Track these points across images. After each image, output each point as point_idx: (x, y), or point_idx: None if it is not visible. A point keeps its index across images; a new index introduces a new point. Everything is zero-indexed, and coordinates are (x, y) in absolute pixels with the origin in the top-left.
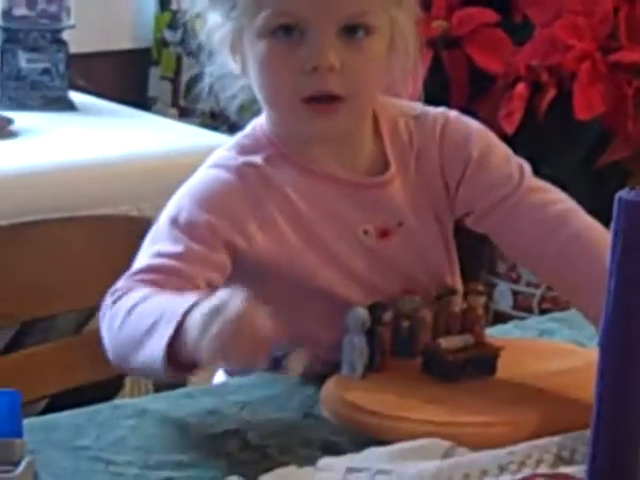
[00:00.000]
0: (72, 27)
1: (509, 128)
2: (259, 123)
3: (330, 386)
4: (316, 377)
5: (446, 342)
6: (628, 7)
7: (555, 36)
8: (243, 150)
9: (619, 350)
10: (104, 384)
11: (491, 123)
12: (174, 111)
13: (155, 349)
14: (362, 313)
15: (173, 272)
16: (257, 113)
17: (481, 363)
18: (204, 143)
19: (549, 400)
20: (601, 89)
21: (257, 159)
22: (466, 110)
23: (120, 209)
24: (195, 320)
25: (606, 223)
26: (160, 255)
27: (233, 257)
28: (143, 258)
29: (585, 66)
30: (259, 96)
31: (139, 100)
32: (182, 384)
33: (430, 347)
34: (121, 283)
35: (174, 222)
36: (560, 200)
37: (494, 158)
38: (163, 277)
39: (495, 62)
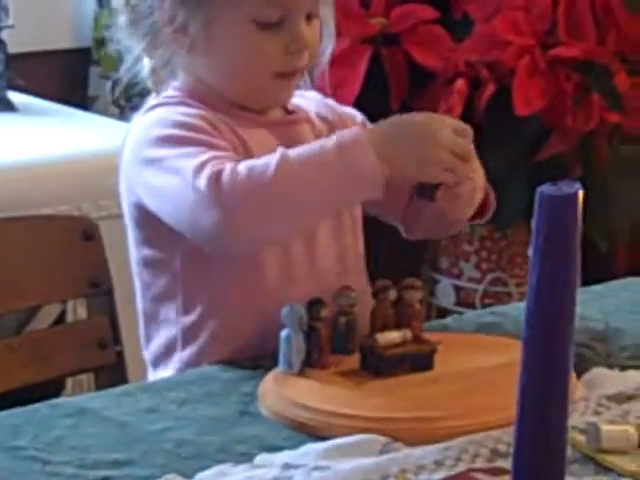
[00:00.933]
0: (11, 27)
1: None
2: (180, 88)
3: (268, 382)
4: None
5: (383, 338)
6: (566, 2)
7: (494, 32)
8: (177, 97)
9: (541, 344)
10: (45, 385)
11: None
12: (114, 110)
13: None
14: (299, 310)
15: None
16: None
17: (418, 358)
18: None
19: (486, 395)
20: (540, 84)
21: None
22: (406, 106)
23: (61, 209)
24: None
25: None
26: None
27: None
28: (186, 163)
29: (524, 62)
30: (214, 70)
31: (79, 99)
32: (124, 381)
33: (367, 342)
34: (211, 169)
35: (164, 139)
36: None
37: None
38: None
39: (434, 58)
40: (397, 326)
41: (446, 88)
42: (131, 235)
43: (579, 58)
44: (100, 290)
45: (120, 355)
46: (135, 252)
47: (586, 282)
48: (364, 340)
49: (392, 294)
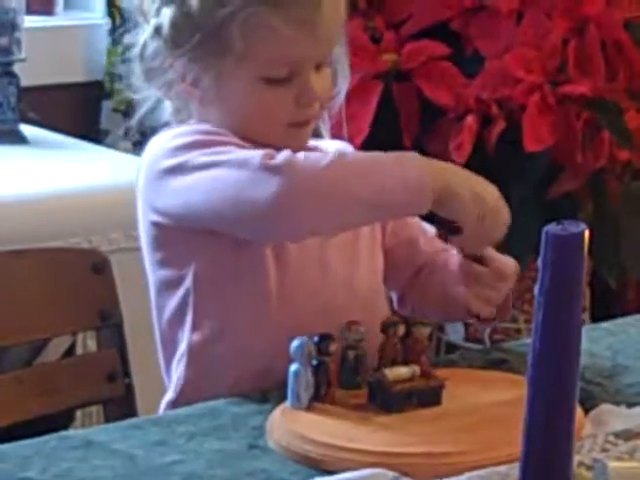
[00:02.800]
0: (23, 60)
1: (459, 160)
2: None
3: (276, 417)
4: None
5: (392, 373)
6: (576, 40)
7: (505, 69)
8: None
9: (546, 382)
10: (54, 417)
11: (442, 155)
12: (126, 144)
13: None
14: (308, 344)
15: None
16: None
17: (426, 394)
18: None
19: (493, 431)
20: (550, 121)
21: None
22: (417, 143)
23: (71, 242)
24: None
25: None
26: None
27: None
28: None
29: (534, 98)
30: (227, 121)
31: (91, 133)
32: (133, 413)
33: (376, 378)
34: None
35: (184, 147)
36: None
37: None
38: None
39: (445, 95)
40: (405, 362)
41: (456, 124)
42: (147, 261)
43: (589, 95)
44: (110, 323)
45: (129, 387)
46: (151, 277)
47: (596, 319)
48: (372, 375)
49: (401, 329)
